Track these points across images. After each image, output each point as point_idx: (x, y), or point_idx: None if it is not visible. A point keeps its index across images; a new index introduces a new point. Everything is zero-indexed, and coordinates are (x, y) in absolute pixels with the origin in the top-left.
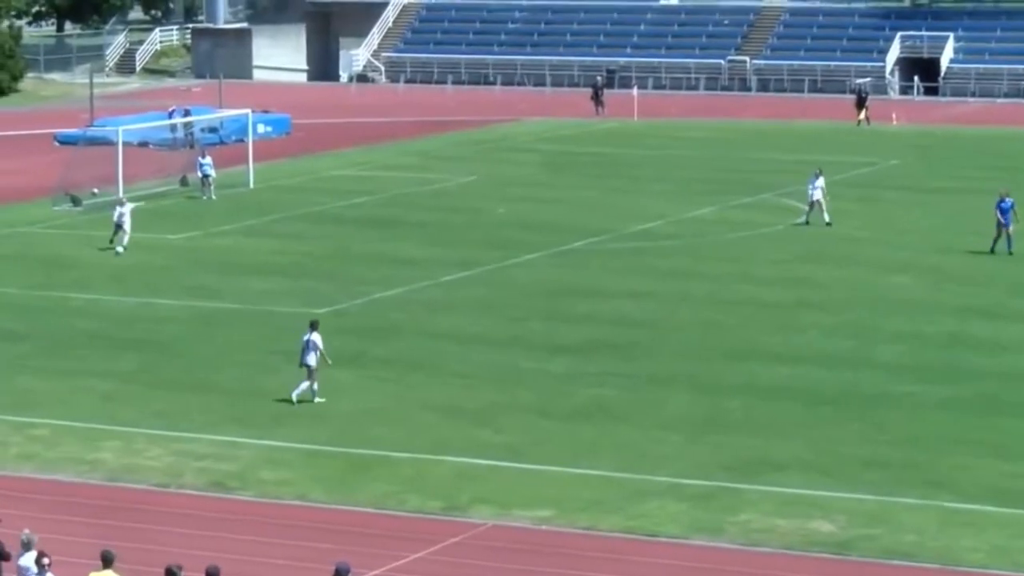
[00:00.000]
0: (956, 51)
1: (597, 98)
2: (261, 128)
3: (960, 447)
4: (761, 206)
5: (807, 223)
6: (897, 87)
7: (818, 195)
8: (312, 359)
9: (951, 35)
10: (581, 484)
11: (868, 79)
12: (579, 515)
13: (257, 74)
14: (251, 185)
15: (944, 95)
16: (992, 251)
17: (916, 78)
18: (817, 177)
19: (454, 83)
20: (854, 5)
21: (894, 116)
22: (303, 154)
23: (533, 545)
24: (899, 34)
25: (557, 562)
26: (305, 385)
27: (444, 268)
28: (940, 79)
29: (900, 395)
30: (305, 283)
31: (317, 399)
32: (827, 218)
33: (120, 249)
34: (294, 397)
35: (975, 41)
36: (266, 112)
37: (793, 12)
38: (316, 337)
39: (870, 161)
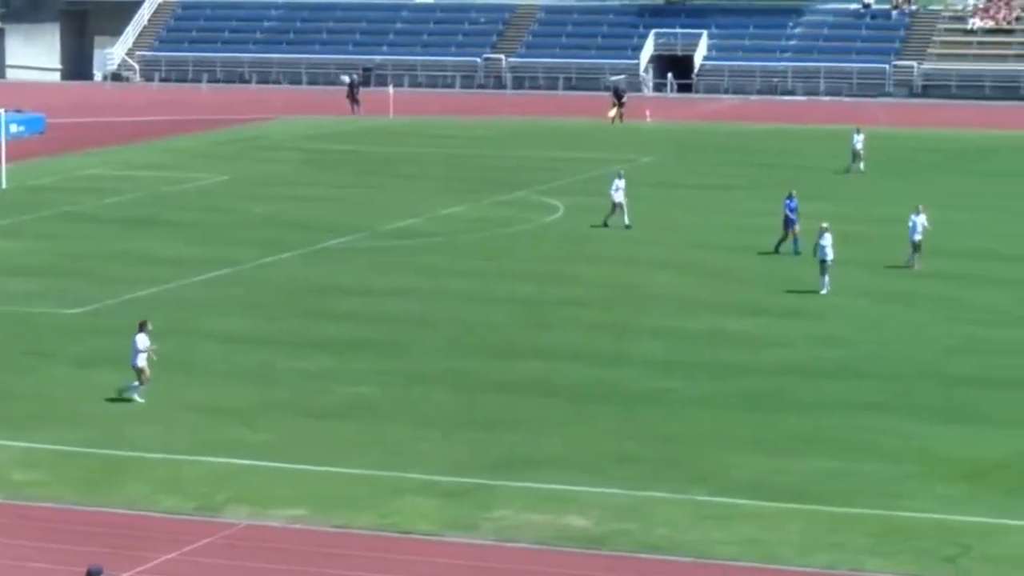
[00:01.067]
0: (709, 48)
1: (353, 96)
2: (14, 128)
3: (718, 442)
4: (519, 203)
5: (605, 225)
6: (651, 84)
7: (619, 197)
8: (140, 360)
9: (704, 32)
10: (337, 482)
11: (623, 76)
12: (333, 513)
13: (10, 73)
14: (3, 185)
15: (698, 92)
16: (776, 251)
17: (670, 75)
18: (619, 178)
19: (210, 81)
20: (608, 3)
21: (648, 113)
22: (58, 154)
23: (286, 544)
24: (653, 31)
25: (310, 561)
26: (135, 384)
27: (202, 267)
28: (694, 76)
29: (660, 391)
30: (61, 283)
31: (137, 398)
32: (627, 221)
33: None
34: (130, 396)
35: (728, 39)
36: (19, 111)
37: (548, 10)
38: (140, 338)
39: (626, 158)
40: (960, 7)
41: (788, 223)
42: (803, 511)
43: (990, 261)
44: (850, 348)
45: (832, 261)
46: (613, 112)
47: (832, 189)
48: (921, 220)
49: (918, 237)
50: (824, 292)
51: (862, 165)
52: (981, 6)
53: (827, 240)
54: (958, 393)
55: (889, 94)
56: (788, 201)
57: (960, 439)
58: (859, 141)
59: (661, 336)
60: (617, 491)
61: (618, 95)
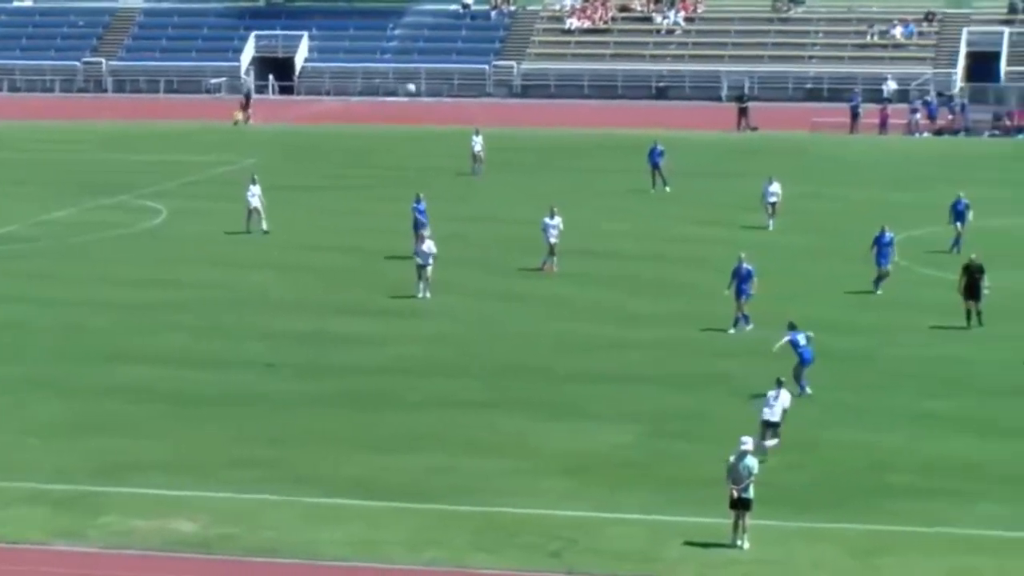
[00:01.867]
0: (311, 50)
1: None
2: None
3: (325, 443)
4: (121, 207)
5: (248, 231)
6: (253, 87)
7: (256, 202)
8: None
9: (305, 35)
10: None
11: (224, 79)
12: None
13: None
14: None
15: (300, 94)
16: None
17: (271, 77)
18: (254, 183)
19: None
20: (209, 5)
21: (250, 115)
22: None
23: None
24: (254, 33)
25: None
26: None
27: None
28: (295, 78)
29: (267, 393)
30: None
31: None
32: (264, 226)
33: None
34: None
35: (329, 40)
36: None
37: (148, 13)
38: None
39: (228, 160)
40: (558, 7)
41: (418, 226)
42: (410, 509)
43: (594, 259)
44: (457, 347)
45: (433, 265)
46: (240, 115)
47: (447, 190)
48: (556, 222)
49: (553, 240)
50: (421, 296)
51: (482, 167)
52: (578, 7)
53: (428, 246)
54: (564, 389)
55: (490, 94)
56: (416, 204)
57: (565, 434)
58: (478, 143)
59: (267, 338)
60: (226, 495)
61: (247, 97)
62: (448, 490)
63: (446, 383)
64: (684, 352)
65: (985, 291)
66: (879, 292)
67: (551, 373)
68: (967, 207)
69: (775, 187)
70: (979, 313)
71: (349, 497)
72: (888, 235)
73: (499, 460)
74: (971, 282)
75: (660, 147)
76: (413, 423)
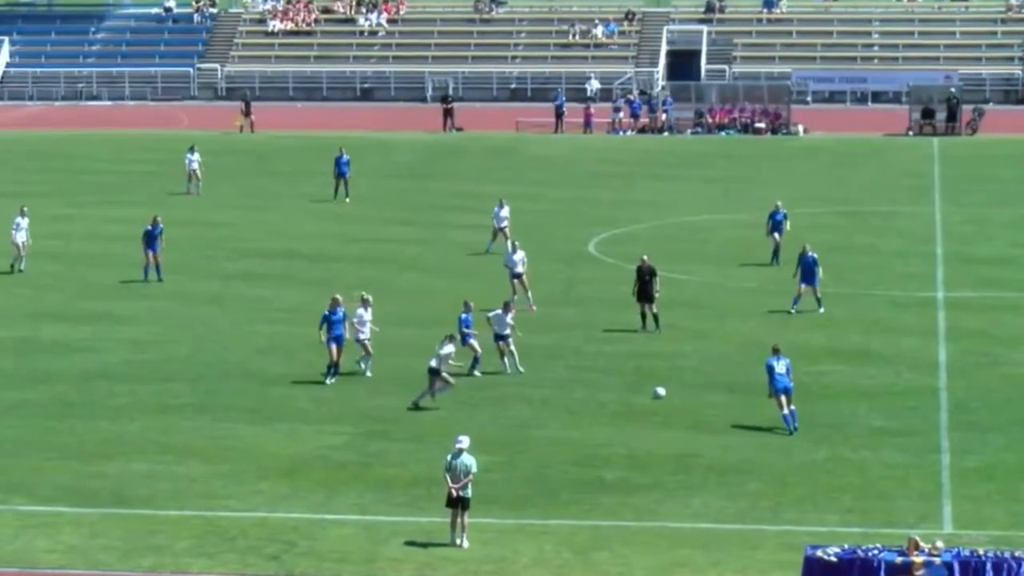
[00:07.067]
0: (12, 55)
1: None
2: None
3: (33, 450)
4: None
5: None
6: None
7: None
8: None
9: (7, 39)
10: None
11: None
12: None
13: None
14: None
15: (3, 99)
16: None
17: None
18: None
19: None
20: None
21: None
22: None
23: None
24: None
25: None
26: None
27: None
28: None
29: None
30: None
31: None
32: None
33: None
34: None
35: (31, 45)
36: None
37: None
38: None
39: None
40: (260, 9)
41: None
42: (123, 515)
43: (292, 260)
44: (161, 351)
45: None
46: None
47: (154, 196)
48: (520, 256)
49: (520, 271)
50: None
51: (200, 186)
52: (281, 8)
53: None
54: (271, 392)
55: (194, 97)
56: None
57: (276, 437)
58: (195, 161)
59: None
60: None
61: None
62: (162, 495)
63: (153, 388)
64: (390, 351)
65: (656, 293)
66: (794, 311)
67: (257, 375)
68: (785, 217)
69: (505, 211)
70: (655, 315)
71: (61, 505)
72: (812, 254)
73: (212, 464)
74: (643, 285)
75: (346, 156)
76: (121, 429)
